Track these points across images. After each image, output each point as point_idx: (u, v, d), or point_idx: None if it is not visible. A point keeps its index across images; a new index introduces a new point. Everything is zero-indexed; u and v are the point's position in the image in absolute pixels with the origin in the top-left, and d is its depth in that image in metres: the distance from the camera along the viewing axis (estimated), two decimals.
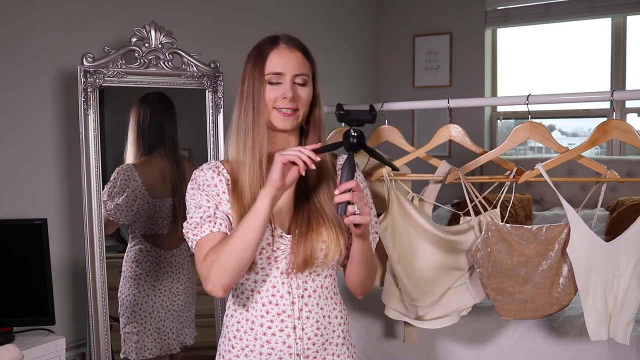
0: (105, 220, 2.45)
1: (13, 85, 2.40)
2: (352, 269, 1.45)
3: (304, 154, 1.25)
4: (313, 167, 1.26)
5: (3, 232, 2.25)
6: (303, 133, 1.45)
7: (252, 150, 1.37)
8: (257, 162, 1.37)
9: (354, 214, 1.27)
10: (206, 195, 1.37)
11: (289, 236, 1.38)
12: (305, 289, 1.40)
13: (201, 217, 1.35)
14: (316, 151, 1.28)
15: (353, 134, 1.33)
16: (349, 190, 1.26)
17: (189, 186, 1.41)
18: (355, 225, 1.31)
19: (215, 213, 1.35)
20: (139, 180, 2.48)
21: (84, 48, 2.39)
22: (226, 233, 1.34)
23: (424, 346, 2.53)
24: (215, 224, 1.34)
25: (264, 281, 1.38)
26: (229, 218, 1.36)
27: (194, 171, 1.42)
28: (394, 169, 1.53)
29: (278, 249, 1.36)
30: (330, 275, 1.45)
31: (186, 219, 1.39)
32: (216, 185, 1.38)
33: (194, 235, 1.35)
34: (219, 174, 1.40)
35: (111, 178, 2.46)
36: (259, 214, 1.26)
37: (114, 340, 2.42)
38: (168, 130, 2.58)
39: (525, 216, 3.68)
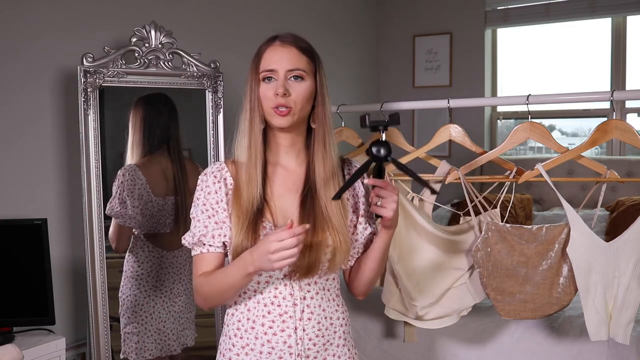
0: (119, 231, 2.43)
1: (13, 85, 2.40)
2: (367, 266, 1.45)
3: (288, 252, 1.21)
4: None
5: (3, 232, 2.25)
6: (310, 133, 1.43)
7: (249, 150, 1.38)
8: (253, 163, 1.37)
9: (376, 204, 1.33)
10: (203, 204, 1.40)
11: None
12: (308, 291, 1.40)
13: (193, 242, 1.41)
14: (339, 193, 1.34)
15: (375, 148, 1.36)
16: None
17: (195, 192, 1.44)
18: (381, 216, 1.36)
19: (206, 229, 1.39)
20: (143, 178, 2.48)
21: (84, 48, 2.39)
22: (216, 252, 1.40)
23: (424, 346, 2.53)
24: (204, 245, 1.40)
25: (267, 282, 1.39)
26: (224, 225, 1.39)
27: (200, 176, 1.44)
28: (432, 191, 1.49)
29: None
30: (333, 278, 1.46)
31: (188, 218, 1.45)
32: (216, 192, 1.40)
33: (191, 250, 1.44)
34: (220, 179, 1.41)
35: (117, 183, 2.42)
36: (240, 283, 1.31)
37: (114, 341, 2.42)
38: (173, 132, 2.58)
39: (525, 216, 3.68)
